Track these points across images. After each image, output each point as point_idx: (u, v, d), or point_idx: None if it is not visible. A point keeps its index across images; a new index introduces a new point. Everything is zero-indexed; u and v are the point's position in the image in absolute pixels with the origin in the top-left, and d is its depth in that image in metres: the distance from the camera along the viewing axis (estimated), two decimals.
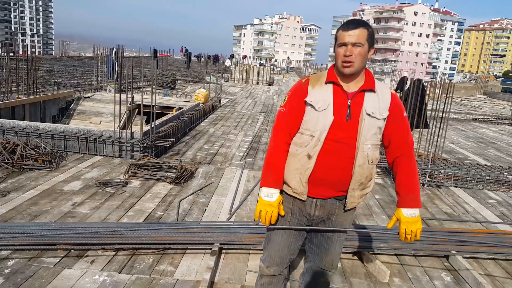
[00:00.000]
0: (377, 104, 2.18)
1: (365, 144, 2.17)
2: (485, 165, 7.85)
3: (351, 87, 2.19)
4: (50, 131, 7.18)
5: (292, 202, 2.35)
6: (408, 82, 7.48)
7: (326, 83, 2.21)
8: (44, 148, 6.58)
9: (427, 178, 6.71)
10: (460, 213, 5.59)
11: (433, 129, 6.97)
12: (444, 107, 6.81)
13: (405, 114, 2.29)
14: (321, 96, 2.18)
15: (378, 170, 7.53)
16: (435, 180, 6.78)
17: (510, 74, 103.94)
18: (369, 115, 2.16)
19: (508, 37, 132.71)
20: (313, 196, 2.30)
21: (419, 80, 7.26)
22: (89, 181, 5.71)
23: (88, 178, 5.82)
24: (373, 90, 2.19)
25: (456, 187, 6.76)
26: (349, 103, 2.16)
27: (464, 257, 3.96)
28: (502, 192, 6.72)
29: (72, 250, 3.71)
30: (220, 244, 3.90)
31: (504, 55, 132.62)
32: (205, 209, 5.00)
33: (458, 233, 4.49)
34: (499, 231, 4.90)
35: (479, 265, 3.98)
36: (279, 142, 2.31)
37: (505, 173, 7.17)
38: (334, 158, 2.19)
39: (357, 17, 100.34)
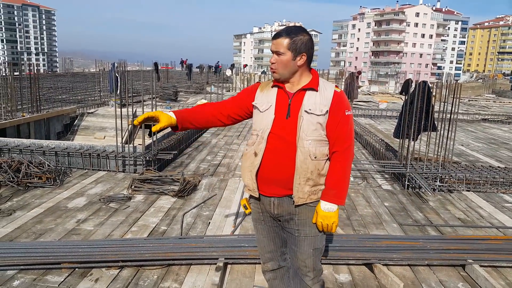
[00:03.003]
0: (318, 101, 2.27)
1: (305, 140, 2.25)
2: (498, 167, 7.63)
3: (294, 88, 2.33)
4: (54, 148, 7.13)
5: (258, 202, 2.48)
6: (413, 85, 7.31)
7: (272, 87, 2.38)
8: (48, 165, 6.51)
9: (438, 183, 6.53)
10: (474, 218, 5.40)
11: (442, 132, 6.81)
12: (452, 109, 6.65)
13: (348, 112, 2.33)
14: (266, 99, 2.36)
15: (386, 176, 7.37)
16: (446, 185, 6.59)
17: None
18: (306, 111, 2.25)
19: None
20: (268, 195, 2.39)
21: (425, 82, 7.08)
22: (93, 197, 5.63)
23: (92, 194, 5.74)
24: (314, 89, 2.30)
25: (468, 191, 6.57)
26: (289, 102, 2.30)
27: (481, 266, 3.78)
28: None
29: (76, 269, 3.62)
30: (225, 258, 3.77)
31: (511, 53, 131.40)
32: (209, 222, 4.87)
33: (474, 240, 4.31)
34: None
35: (498, 274, 3.79)
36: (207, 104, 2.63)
37: None
38: (278, 155, 2.29)
39: (356, 21, 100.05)
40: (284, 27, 2.41)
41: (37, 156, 6.86)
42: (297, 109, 2.28)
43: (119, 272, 3.62)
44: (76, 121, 12.57)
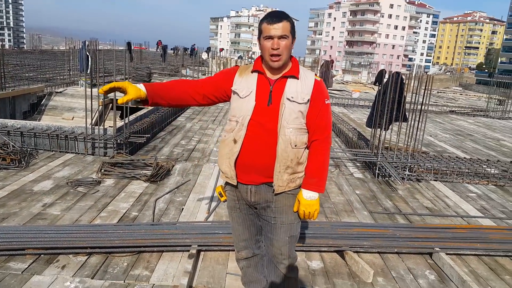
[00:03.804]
0: (299, 89, 2.25)
1: (286, 128, 2.23)
2: (464, 158, 7.89)
3: (275, 74, 2.30)
4: (19, 128, 6.85)
5: (234, 189, 2.45)
6: (387, 75, 7.40)
7: (252, 72, 2.33)
8: (13, 146, 6.28)
9: (407, 172, 6.68)
10: (441, 207, 5.56)
11: (412, 122, 6.94)
12: (423, 100, 6.78)
13: (327, 101, 2.36)
14: (246, 84, 2.30)
15: (358, 164, 7.48)
16: (415, 174, 6.75)
17: (483, 66, 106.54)
18: (289, 99, 2.23)
19: (481, 30, 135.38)
20: (246, 182, 2.37)
21: (398, 73, 7.19)
22: (60, 180, 5.45)
23: (59, 177, 5.56)
24: (295, 77, 2.27)
25: (436, 180, 6.76)
26: (270, 89, 2.27)
27: (447, 254, 3.90)
28: (481, 185, 6.74)
29: (41, 255, 3.50)
30: (198, 246, 3.73)
31: (478, 48, 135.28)
32: (182, 208, 4.82)
33: (440, 229, 4.44)
34: (480, 226, 4.88)
35: (462, 262, 3.93)
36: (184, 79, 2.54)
37: (484, 166, 7.21)
38: (258, 143, 2.26)
39: (333, 10, 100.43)
40: (273, 10, 2.35)
41: (1, 136, 6.59)
42: (278, 96, 2.25)
43: (87, 259, 3.52)
44: (44, 100, 12.11)
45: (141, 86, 2.32)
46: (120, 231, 3.89)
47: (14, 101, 11.04)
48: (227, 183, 2.49)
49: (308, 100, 2.26)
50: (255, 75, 2.32)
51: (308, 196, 2.34)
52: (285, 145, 2.25)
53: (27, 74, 15.16)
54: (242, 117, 2.27)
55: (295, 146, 2.27)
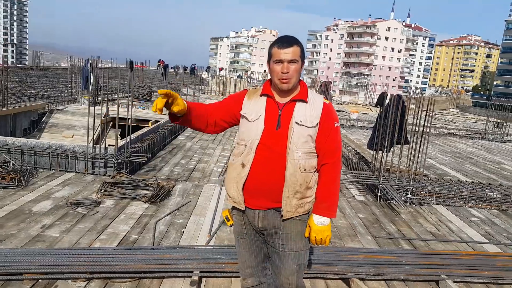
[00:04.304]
0: (308, 113, 2.25)
1: (295, 152, 2.21)
2: (466, 181, 7.84)
3: (284, 98, 2.29)
4: (20, 146, 6.80)
5: (241, 214, 2.39)
6: (388, 98, 7.42)
7: (260, 95, 2.32)
8: (13, 164, 6.20)
9: (409, 195, 6.63)
10: (445, 232, 5.49)
11: (413, 145, 6.93)
12: (424, 122, 6.79)
13: (337, 124, 2.34)
14: (254, 108, 2.29)
15: (359, 187, 7.43)
16: (417, 198, 6.70)
17: (479, 88, 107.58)
18: (297, 123, 2.22)
19: (476, 53, 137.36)
20: (254, 207, 2.32)
21: (399, 96, 7.21)
22: (60, 200, 5.38)
23: (59, 198, 5.48)
24: (304, 100, 2.27)
25: (438, 204, 6.70)
26: (279, 113, 2.25)
27: (454, 281, 3.82)
28: (484, 209, 6.68)
29: (40, 280, 3.40)
30: (200, 272, 3.64)
31: (473, 70, 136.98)
32: (183, 231, 4.73)
33: (446, 255, 4.37)
34: (487, 252, 4.80)
35: None
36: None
37: (486, 190, 7.16)
38: (267, 167, 2.24)
39: (330, 32, 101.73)
40: (283, 35, 2.33)
41: (1, 154, 6.52)
42: (287, 120, 2.24)
43: (86, 284, 3.42)
44: (44, 117, 12.08)
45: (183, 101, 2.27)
46: (120, 255, 3.80)
47: (15, 118, 11.00)
48: (234, 207, 2.44)
49: (317, 123, 2.25)
50: (264, 98, 2.30)
51: (320, 221, 2.29)
52: (294, 169, 2.22)
53: (28, 91, 15.17)
54: (251, 141, 2.25)
55: (304, 170, 2.24)
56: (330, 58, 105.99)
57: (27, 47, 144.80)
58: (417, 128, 6.86)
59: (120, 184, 5.94)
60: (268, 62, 2.28)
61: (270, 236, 2.38)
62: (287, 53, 2.18)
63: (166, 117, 11.96)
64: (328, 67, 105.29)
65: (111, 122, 11.89)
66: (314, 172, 2.31)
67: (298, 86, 2.31)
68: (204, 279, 3.65)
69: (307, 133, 2.23)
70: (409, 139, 7.39)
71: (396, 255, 4.25)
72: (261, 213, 2.32)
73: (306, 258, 2.44)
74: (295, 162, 2.22)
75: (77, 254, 3.74)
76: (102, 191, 5.73)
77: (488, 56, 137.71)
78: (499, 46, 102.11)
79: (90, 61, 16.90)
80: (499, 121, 19.89)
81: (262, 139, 2.23)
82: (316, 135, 2.27)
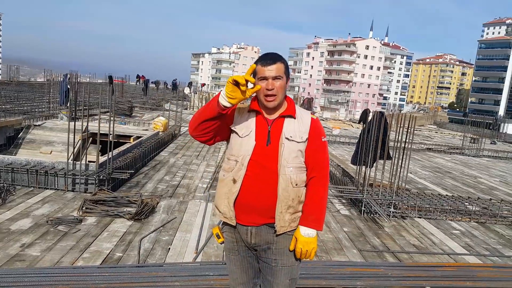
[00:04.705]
0: (297, 128, 2.27)
1: (287, 168, 2.23)
2: (446, 195, 7.99)
3: (272, 114, 2.30)
4: None
5: (233, 230, 2.38)
6: (371, 115, 7.55)
7: (249, 111, 2.32)
8: None
9: (391, 209, 6.71)
10: (427, 245, 5.56)
11: (395, 160, 7.04)
12: (406, 138, 6.92)
13: (324, 139, 2.38)
14: (244, 124, 2.29)
15: (343, 201, 7.48)
16: (399, 211, 6.78)
17: (455, 105, 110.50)
18: (288, 139, 2.24)
19: (452, 71, 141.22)
20: (246, 224, 2.31)
21: (381, 113, 7.35)
22: (40, 218, 5.24)
23: (39, 215, 5.34)
24: (292, 116, 2.29)
25: (420, 217, 6.79)
26: (269, 129, 2.27)
27: None
28: (463, 222, 6.81)
29: None
30: None
31: (449, 88, 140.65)
32: (169, 248, 4.66)
33: (430, 267, 4.42)
34: (468, 264, 4.89)
35: None
36: None
37: (465, 203, 7.30)
38: (258, 183, 2.24)
39: (311, 49, 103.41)
40: (267, 53, 2.35)
41: None
42: (277, 136, 2.25)
43: None
44: (21, 133, 11.81)
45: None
46: (105, 273, 3.72)
47: None
48: (224, 224, 2.42)
49: (306, 138, 2.28)
50: (253, 114, 2.31)
51: (306, 233, 2.29)
52: (286, 185, 2.23)
53: (3, 106, 14.83)
54: (242, 156, 2.25)
55: (296, 185, 2.25)
56: (311, 75, 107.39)
57: (0, 61, 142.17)
58: (398, 144, 6.98)
59: (102, 201, 5.82)
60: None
61: (263, 252, 2.37)
62: (271, 70, 2.19)
63: (148, 133, 11.86)
64: (310, 84, 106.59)
65: (91, 138, 11.72)
66: (304, 186, 2.32)
67: (285, 102, 2.32)
68: None
69: (297, 148, 2.25)
70: (391, 155, 7.52)
71: (382, 268, 4.28)
72: (254, 229, 2.32)
73: (298, 272, 2.44)
74: (287, 177, 2.23)
75: (60, 273, 3.63)
76: (84, 208, 5.61)
77: (463, 74, 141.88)
78: (473, 65, 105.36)
79: (68, 75, 16.71)
80: (475, 136, 20.42)
81: (253, 155, 2.24)
82: (305, 150, 2.28)
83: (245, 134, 2.27)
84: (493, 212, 7.08)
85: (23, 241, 4.49)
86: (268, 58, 2.22)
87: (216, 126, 2.23)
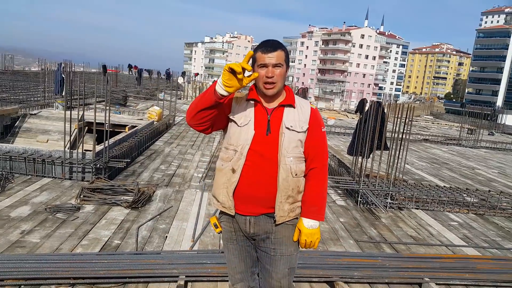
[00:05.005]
0: (297, 118, 2.26)
1: (287, 157, 2.22)
2: (444, 186, 8.03)
3: (271, 103, 2.28)
4: None
5: (231, 220, 2.37)
6: (368, 105, 7.54)
7: (247, 100, 2.29)
8: None
9: (388, 200, 6.74)
10: (425, 236, 5.60)
11: (392, 151, 7.06)
12: (404, 129, 6.92)
13: (324, 129, 2.39)
14: (243, 113, 2.26)
15: (339, 192, 7.51)
16: (396, 202, 6.82)
17: (451, 96, 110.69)
18: (288, 128, 2.23)
19: (448, 61, 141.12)
20: (244, 213, 2.31)
21: (379, 103, 7.34)
22: (38, 206, 5.23)
23: (37, 203, 5.33)
24: (292, 106, 2.28)
25: (417, 209, 6.83)
26: (268, 118, 2.25)
27: (437, 284, 3.90)
28: (461, 213, 6.85)
29: (22, 286, 3.32)
30: (186, 276, 3.60)
31: (446, 78, 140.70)
32: (166, 236, 4.67)
33: (428, 258, 4.46)
34: (467, 255, 4.92)
35: None
36: None
37: (463, 194, 7.34)
38: (258, 173, 2.23)
39: (305, 38, 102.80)
40: (267, 39, 2.31)
41: None
42: (277, 125, 2.24)
43: None
44: (18, 122, 11.72)
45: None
46: (104, 260, 3.72)
47: None
48: (222, 213, 2.41)
49: (307, 128, 2.28)
50: (252, 103, 2.29)
51: (309, 225, 2.30)
52: (286, 174, 2.23)
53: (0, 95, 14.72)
54: (241, 146, 2.23)
55: (296, 175, 2.26)
56: (305, 65, 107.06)
57: None
58: (395, 135, 6.99)
59: (99, 189, 5.81)
60: (252, 66, 2.23)
61: (262, 241, 2.38)
62: (272, 57, 2.16)
63: (143, 122, 11.81)
64: (304, 74, 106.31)
65: (86, 127, 11.64)
66: (303, 176, 2.32)
67: (284, 91, 2.31)
68: (190, 284, 3.61)
69: (297, 138, 2.25)
70: (388, 145, 7.53)
71: (379, 259, 4.31)
72: (253, 219, 2.31)
73: (296, 261, 2.46)
74: (287, 167, 2.22)
75: (60, 259, 3.64)
76: (82, 196, 5.60)
77: (460, 64, 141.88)
78: (470, 54, 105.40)
79: (63, 64, 16.55)
80: (472, 127, 20.48)
81: (252, 145, 2.22)
82: (305, 140, 2.28)
83: (244, 123, 2.25)
84: (492, 204, 7.11)
85: (23, 228, 4.49)
86: (269, 45, 2.19)
87: (214, 115, 2.20)
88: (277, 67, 2.18)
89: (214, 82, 2.15)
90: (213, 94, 2.10)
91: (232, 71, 2.03)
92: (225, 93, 2.08)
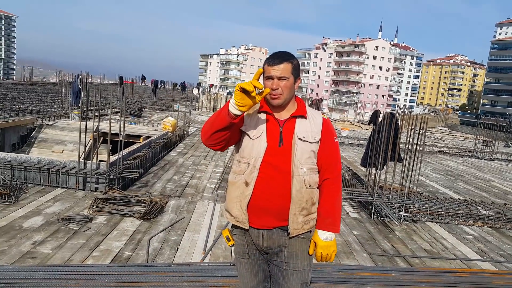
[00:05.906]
0: (309, 129, 2.25)
1: (300, 169, 2.20)
2: (459, 199, 7.88)
3: (283, 115, 2.27)
4: (10, 161, 6.69)
5: (244, 233, 2.34)
6: (381, 116, 7.49)
7: (259, 112, 2.27)
8: (3, 180, 6.09)
9: (402, 213, 6.63)
10: (439, 249, 5.49)
11: (406, 163, 6.97)
12: (417, 140, 6.84)
13: (336, 139, 2.36)
14: (255, 125, 2.24)
15: (353, 204, 7.43)
16: (410, 215, 6.71)
17: (466, 107, 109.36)
18: (300, 139, 2.21)
19: (463, 72, 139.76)
20: (258, 227, 2.27)
21: (392, 114, 7.28)
22: (51, 216, 5.28)
23: (50, 213, 5.38)
24: (304, 116, 2.26)
25: (431, 221, 6.71)
26: (280, 130, 2.23)
27: None
28: (476, 227, 6.71)
29: None
30: None
31: (460, 89, 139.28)
32: (177, 248, 4.66)
33: (442, 272, 4.36)
34: (482, 270, 4.81)
35: None
36: None
37: (478, 207, 7.20)
38: (271, 185, 2.20)
39: (319, 50, 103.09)
40: (276, 52, 2.30)
41: None
42: (289, 137, 2.22)
43: None
44: (34, 132, 11.94)
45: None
46: (114, 272, 3.72)
47: (4, 133, 10.86)
48: (234, 227, 2.38)
49: (319, 139, 2.26)
50: (264, 115, 2.26)
51: (325, 237, 2.26)
52: (300, 186, 2.20)
53: (17, 106, 15.02)
54: (254, 158, 2.21)
55: (309, 186, 2.23)
56: (319, 76, 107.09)
57: (14, 62, 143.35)
58: (409, 146, 6.91)
59: (112, 200, 5.85)
60: (263, 79, 2.25)
61: (275, 255, 2.34)
62: (277, 69, 2.17)
63: (158, 133, 11.90)
64: (318, 85, 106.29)
65: (101, 138, 11.80)
66: (317, 187, 2.30)
67: (295, 103, 2.30)
68: None
69: (310, 148, 2.23)
70: (402, 157, 7.44)
71: (393, 273, 4.23)
72: (266, 232, 2.28)
73: (309, 276, 2.40)
74: (301, 179, 2.20)
75: (70, 271, 3.65)
76: (94, 207, 5.64)
77: (475, 75, 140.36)
78: (485, 66, 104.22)
79: (80, 76, 16.86)
80: (487, 139, 20.16)
81: (265, 157, 2.20)
82: (318, 151, 2.26)
83: (256, 135, 2.23)
84: (508, 217, 6.95)
85: (35, 239, 4.52)
86: (276, 57, 2.20)
87: (229, 134, 2.19)
88: (282, 80, 2.18)
89: (227, 103, 2.15)
90: (226, 115, 2.10)
91: (244, 91, 2.03)
92: (238, 113, 2.08)
